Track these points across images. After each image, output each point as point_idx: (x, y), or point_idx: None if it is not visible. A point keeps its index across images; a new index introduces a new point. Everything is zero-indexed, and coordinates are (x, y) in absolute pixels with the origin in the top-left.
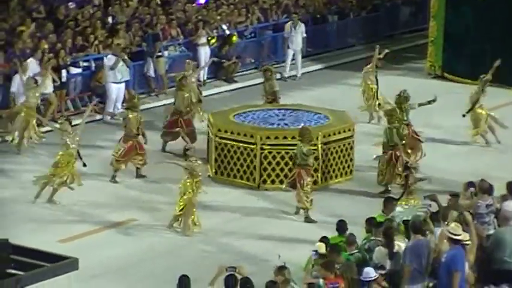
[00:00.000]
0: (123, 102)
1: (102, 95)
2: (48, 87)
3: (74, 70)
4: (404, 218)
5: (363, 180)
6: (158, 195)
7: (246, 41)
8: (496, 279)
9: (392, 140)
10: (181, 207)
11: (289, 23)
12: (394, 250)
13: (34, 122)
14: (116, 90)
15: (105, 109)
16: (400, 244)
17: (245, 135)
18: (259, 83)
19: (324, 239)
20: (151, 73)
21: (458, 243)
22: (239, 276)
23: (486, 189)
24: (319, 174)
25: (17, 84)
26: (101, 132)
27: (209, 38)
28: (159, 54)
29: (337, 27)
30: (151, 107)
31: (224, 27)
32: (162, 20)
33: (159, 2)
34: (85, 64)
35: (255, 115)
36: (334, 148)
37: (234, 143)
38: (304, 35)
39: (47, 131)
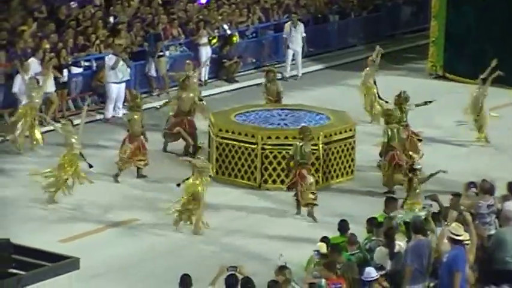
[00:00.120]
0: (123, 102)
1: (103, 94)
2: (50, 87)
3: (75, 70)
4: (405, 220)
5: (364, 180)
6: (160, 194)
7: (247, 40)
8: (497, 280)
9: (393, 140)
10: (185, 204)
11: (289, 23)
12: (395, 250)
13: (37, 122)
14: (117, 90)
15: (105, 109)
16: (401, 244)
17: (246, 135)
18: (260, 83)
19: (324, 239)
20: (153, 73)
21: (460, 243)
22: (240, 276)
23: (487, 189)
24: (320, 174)
25: (18, 84)
26: (102, 132)
27: (210, 38)
28: (161, 54)
29: (338, 27)
30: (153, 107)
31: (225, 27)
32: (164, 19)
33: (160, 2)
34: (86, 64)
35: (256, 115)
36: (335, 148)
37: (235, 143)
38: (304, 34)
39: (47, 131)
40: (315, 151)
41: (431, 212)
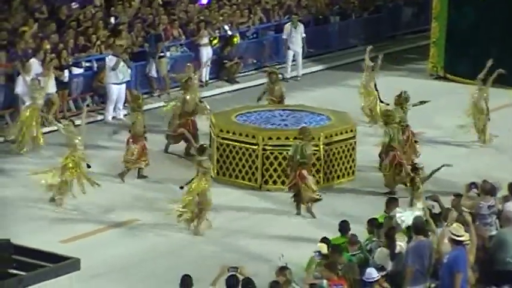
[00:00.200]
0: (124, 103)
1: (104, 95)
2: (51, 88)
3: (76, 70)
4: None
5: (366, 180)
6: (160, 195)
7: (248, 41)
8: (498, 280)
9: (394, 141)
10: (189, 205)
11: (289, 24)
12: (396, 251)
13: (37, 122)
14: (117, 91)
15: (106, 109)
16: (402, 244)
17: (247, 135)
18: (261, 84)
19: (324, 240)
20: (154, 74)
21: (461, 244)
22: (241, 277)
23: (488, 190)
24: (321, 175)
25: (20, 85)
26: (103, 133)
27: (211, 39)
28: (161, 54)
29: (339, 28)
30: (154, 108)
31: (226, 27)
32: (164, 20)
33: (161, 3)
34: (87, 64)
35: (257, 116)
36: (336, 149)
37: (236, 143)
38: (304, 35)
39: (48, 132)
40: (316, 152)
41: (431, 212)
